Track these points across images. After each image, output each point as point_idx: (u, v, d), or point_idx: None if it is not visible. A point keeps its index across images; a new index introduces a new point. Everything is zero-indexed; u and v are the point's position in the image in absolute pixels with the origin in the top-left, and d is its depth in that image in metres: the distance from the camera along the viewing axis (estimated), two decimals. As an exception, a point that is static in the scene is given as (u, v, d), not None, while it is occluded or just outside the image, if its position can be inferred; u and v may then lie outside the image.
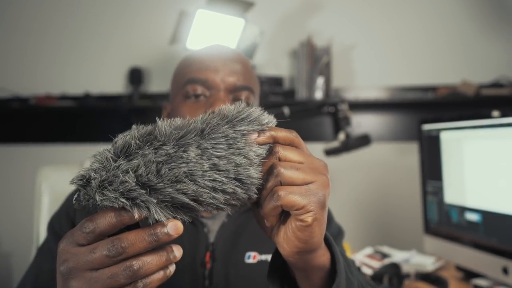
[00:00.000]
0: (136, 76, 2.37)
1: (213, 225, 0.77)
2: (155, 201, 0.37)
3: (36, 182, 1.13)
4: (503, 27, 2.26)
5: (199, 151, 0.40)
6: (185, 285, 0.72)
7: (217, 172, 0.39)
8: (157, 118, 0.41)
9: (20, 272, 2.33)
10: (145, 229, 0.38)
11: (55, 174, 1.14)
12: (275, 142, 0.44)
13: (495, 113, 1.14)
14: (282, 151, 0.44)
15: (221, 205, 0.41)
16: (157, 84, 2.45)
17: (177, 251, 0.40)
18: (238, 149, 0.41)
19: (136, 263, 0.38)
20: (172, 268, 0.40)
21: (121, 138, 0.39)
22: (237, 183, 0.40)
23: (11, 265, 2.48)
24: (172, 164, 0.38)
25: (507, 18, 2.27)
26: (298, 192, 0.42)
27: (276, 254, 0.52)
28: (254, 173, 0.41)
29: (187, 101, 0.73)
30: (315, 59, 2.22)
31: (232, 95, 0.73)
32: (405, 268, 1.34)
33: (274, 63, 2.39)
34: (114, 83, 2.46)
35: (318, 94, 2.17)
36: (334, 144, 1.52)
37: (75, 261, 0.38)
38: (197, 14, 1.76)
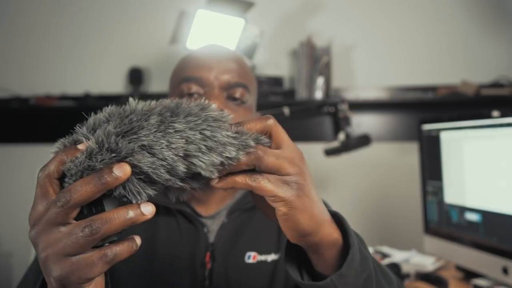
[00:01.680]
0: (136, 76, 2.37)
1: (213, 225, 0.77)
2: (116, 158, 0.38)
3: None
4: (503, 27, 2.26)
5: (160, 117, 0.40)
6: (185, 285, 0.72)
7: (171, 149, 0.39)
8: (130, 98, 0.43)
9: (20, 272, 2.34)
10: (120, 208, 0.39)
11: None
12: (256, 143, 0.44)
13: (495, 113, 1.14)
14: (275, 126, 0.44)
15: (179, 183, 0.40)
16: (157, 84, 2.45)
17: (147, 207, 0.39)
18: (195, 123, 0.40)
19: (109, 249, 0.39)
20: (138, 241, 0.41)
21: (92, 117, 0.42)
22: (188, 162, 0.40)
23: (11, 265, 2.48)
24: (133, 136, 0.39)
25: (507, 18, 2.27)
26: (273, 181, 0.42)
27: None
28: (202, 157, 0.40)
29: (182, 99, 0.73)
30: (315, 59, 2.22)
31: (226, 93, 0.73)
32: (405, 268, 1.34)
33: (274, 63, 2.39)
34: (114, 83, 2.47)
35: (318, 94, 2.17)
36: (334, 144, 1.52)
37: (54, 248, 0.39)
38: (197, 14, 1.76)
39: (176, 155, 0.39)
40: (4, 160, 2.53)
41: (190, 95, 0.73)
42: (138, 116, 0.40)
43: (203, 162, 0.40)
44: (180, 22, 1.81)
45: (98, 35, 2.50)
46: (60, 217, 0.38)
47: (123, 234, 0.41)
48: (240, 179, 0.43)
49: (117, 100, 2.37)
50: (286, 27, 2.40)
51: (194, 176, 0.42)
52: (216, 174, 0.42)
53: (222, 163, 0.41)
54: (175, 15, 1.88)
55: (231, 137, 0.42)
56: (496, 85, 2.13)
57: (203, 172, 0.41)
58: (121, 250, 0.39)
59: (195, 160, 0.40)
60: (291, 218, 0.44)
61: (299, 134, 2.31)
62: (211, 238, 0.76)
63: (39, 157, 2.44)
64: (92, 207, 0.40)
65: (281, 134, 0.45)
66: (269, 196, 0.43)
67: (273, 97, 2.25)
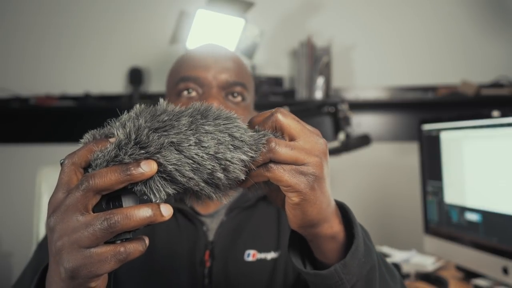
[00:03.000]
0: (136, 76, 2.37)
1: (212, 224, 0.77)
2: (145, 154, 0.39)
3: (36, 182, 1.13)
4: (503, 27, 2.26)
5: (190, 119, 0.41)
6: (185, 284, 0.72)
7: (201, 147, 0.40)
8: (160, 99, 0.43)
9: (20, 272, 2.33)
10: (141, 205, 0.39)
11: (55, 174, 1.14)
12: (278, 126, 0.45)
13: (495, 113, 1.14)
14: (283, 119, 0.44)
15: (202, 183, 0.41)
16: (157, 84, 2.45)
17: (166, 208, 0.40)
18: (225, 126, 0.42)
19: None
20: (147, 241, 0.41)
21: (126, 114, 0.42)
22: (216, 161, 0.41)
23: (11, 265, 2.48)
24: (163, 133, 0.40)
25: (507, 18, 2.27)
26: (288, 170, 0.42)
27: None
28: (230, 155, 0.41)
29: (180, 99, 0.73)
30: (315, 59, 2.22)
31: (224, 92, 0.73)
32: (405, 268, 1.34)
33: (274, 63, 2.39)
34: (114, 83, 2.47)
35: (318, 94, 2.17)
36: (334, 144, 1.52)
37: (71, 237, 0.38)
38: (197, 14, 1.76)
39: (207, 153, 0.40)
40: (4, 160, 2.53)
41: (189, 94, 0.73)
42: (170, 116, 0.41)
43: (232, 161, 0.41)
44: (180, 22, 1.81)
45: (98, 35, 2.50)
46: (80, 202, 0.38)
47: (136, 232, 0.40)
48: (256, 173, 0.43)
49: (117, 100, 2.37)
50: (286, 27, 2.40)
51: (214, 181, 0.42)
52: (243, 175, 0.42)
53: (245, 164, 0.42)
54: (175, 15, 1.88)
55: (252, 137, 0.43)
56: (496, 85, 2.13)
57: (231, 169, 0.41)
58: (134, 248, 0.39)
59: (227, 158, 0.41)
60: (300, 208, 0.44)
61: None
62: (211, 236, 0.76)
63: (39, 157, 2.44)
64: (110, 201, 0.40)
65: (292, 125, 0.44)
66: (284, 186, 0.43)
67: (273, 97, 2.25)
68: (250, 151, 0.42)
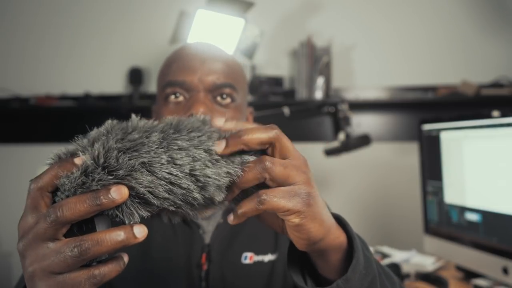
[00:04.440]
0: (136, 76, 2.37)
1: (208, 226, 0.76)
2: (113, 180, 0.37)
3: (36, 182, 1.13)
4: (503, 27, 2.26)
5: (162, 134, 0.39)
6: (182, 287, 0.72)
7: (174, 165, 0.38)
8: (132, 114, 0.42)
9: (20, 272, 2.33)
10: (112, 229, 0.38)
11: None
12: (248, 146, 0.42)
13: (495, 113, 1.14)
14: (283, 139, 0.43)
15: (178, 202, 0.39)
16: (156, 83, 2.45)
17: (139, 229, 0.38)
18: (199, 142, 0.40)
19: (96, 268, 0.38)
20: (126, 259, 0.39)
21: (95, 130, 0.40)
22: (192, 179, 0.39)
23: (11, 265, 2.48)
24: (134, 153, 0.37)
25: (507, 18, 2.27)
26: (282, 195, 0.41)
27: (292, 244, 0.52)
28: (211, 172, 0.39)
29: (167, 105, 0.72)
30: (315, 59, 2.22)
31: (212, 95, 0.72)
32: (405, 268, 1.34)
33: (274, 63, 2.39)
34: (114, 83, 2.47)
35: (318, 94, 2.17)
36: (334, 144, 1.52)
37: (41, 264, 0.38)
38: (197, 14, 1.76)
39: (182, 171, 0.38)
40: (4, 160, 2.53)
41: (176, 99, 0.72)
42: (140, 133, 0.39)
43: (211, 177, 0.39)
44: (180, 22, 1.81)
45: (98, 35, 2.50)
46: (49, 232, 0.37)
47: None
48: (247, 208, 0.42)
49: (117, 100, 2.37)
50: (286, 27, 2.40)
51: (189, 200, 0.40)
52: (223, 195, 0.41)
53: (228, 180, 0.41)
54: (175, 15, 1.88)
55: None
56: (496, 85, 2.13)
57: (211, 185, 0.39)
58: (109, 270, 0.38)
59: (206, 174, 0.39)
60: (303, 227, 0.43)
61: (299, 134, 2.30)
62: (207, 239, 0.75)
63: (39, 157, 2.44)
64: (82, 224, 0.38)
65: (287, 143, 0.44)
66: (282, 211, 0.42)
67: (273, 97, 2.25)
68: (228, 168, 0.40)
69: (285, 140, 0.44)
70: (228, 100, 0.73)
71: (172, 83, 0.72)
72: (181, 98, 0.72)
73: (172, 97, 0.72)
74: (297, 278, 0.51)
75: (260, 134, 0.42)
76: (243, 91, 0.77)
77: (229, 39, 1.85)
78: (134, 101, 2.32)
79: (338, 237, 0.47)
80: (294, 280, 0.50)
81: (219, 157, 0.41)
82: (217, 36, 1.83)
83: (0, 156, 2.53)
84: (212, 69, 0.72)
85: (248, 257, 0.75)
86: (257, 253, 0.76)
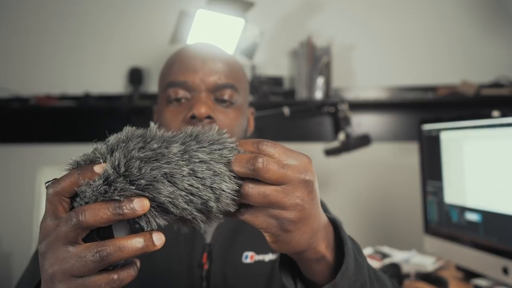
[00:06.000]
0: (136, 76, 2.37)
1: (209, 226, 0.77)
2: (135, 190, 0.37)
3: (36, 182, 1.13)
4: (503, 27, 2.26)
5: (183, 146, 0.39)
6: (183, 286, 0.72)
7: (195, 178, 0.39)
8: (151, 122, 0.42)
9: (20, 272, 2.33)
10: (133, 236, 0.38)
11: (55, 174, 1.14)
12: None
13: (495, 113, 1.14)
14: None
15: (195, 213, 0.40)
16: (157, 84, 2.45)
17: (158, 236, 0.39)
18: (220, 156, 0.40)
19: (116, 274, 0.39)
20: (138, 264, 0.41)
21: (114, 136, 0.40)
22: (212, 191, 0.40)
23: (11, 265, 2.48)
24: (155, 163, 0.38)
25: (507, 18, 2.27)
26: (261, 215, 0.42)
27: None
28: (225, 186, 0.40)
29: (169, 105, 0.73)
30: (315, 59, 2.22)
31: (213, 95, 0.72)
32: (405, 268, 1.34)
33: (274, 63, 2.39)
34: (114, 83, 2.46)
35: (318, 94, 2.17)
36: (334, 144, 1.52)
37: (62, 267, 0.38)
38: (197, 14, 1.76)
39: (203, 184, 0.39)
40: (4, 160, 2.53)
41: (178, 100, 0.72)
42: (159, 143, 0.39)
43: (225, 191, 0.40)
44: (180, 22, 1.81)
45: (98, 35, 2.50)
46: (70, 236, 0.38)
47: None
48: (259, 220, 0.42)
49: (117, 100, 2.37)
50: (286, 27, 2.40)
51: (207, 209, 0.41)
52: (236, 207, 0.42)
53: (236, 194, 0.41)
54: (175, 15, 1.88)
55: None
56: (496, 85, 2.13)
57: (223, 199, 0.40)
58: (127, 274, 0.39)
59: (222, 188, 0.40)
60: (274, 245, 0.44)
61: (299, 134, 2.31)
62: (208, 238, 0.75)
63: (39, 157, 2.44)
64: (100, 229, 0.39)
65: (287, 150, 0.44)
66: (255, 225, 0.42)
67: (273, 97, 2.25)
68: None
69: (279, 148, 0.43)
70: (230, 100, 0.73)
71: (173, 83, 0.72)
72: (183, 99, 0.72)
73: (174, 97, 0.72)
74: (287, 281, 0.51)
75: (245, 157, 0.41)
76: (244, 91, 0.78)
77: (229, 39, 1.85)
78: (134, 101, 2.32)
79: (315, 252, 0.46)
80: (283, 282, 0.51)
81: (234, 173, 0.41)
82: (217, 36, 1.83)
83: (0, 156, 2.53)
84: (214, 69, 0.73)
85: (249, 257, 0.75)
86: (258, 252, 0.76)
